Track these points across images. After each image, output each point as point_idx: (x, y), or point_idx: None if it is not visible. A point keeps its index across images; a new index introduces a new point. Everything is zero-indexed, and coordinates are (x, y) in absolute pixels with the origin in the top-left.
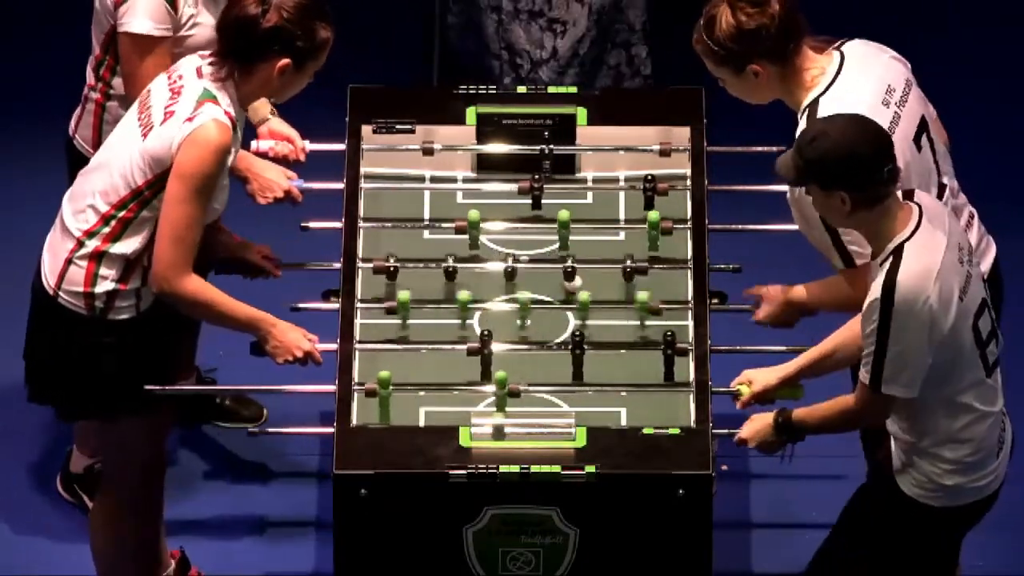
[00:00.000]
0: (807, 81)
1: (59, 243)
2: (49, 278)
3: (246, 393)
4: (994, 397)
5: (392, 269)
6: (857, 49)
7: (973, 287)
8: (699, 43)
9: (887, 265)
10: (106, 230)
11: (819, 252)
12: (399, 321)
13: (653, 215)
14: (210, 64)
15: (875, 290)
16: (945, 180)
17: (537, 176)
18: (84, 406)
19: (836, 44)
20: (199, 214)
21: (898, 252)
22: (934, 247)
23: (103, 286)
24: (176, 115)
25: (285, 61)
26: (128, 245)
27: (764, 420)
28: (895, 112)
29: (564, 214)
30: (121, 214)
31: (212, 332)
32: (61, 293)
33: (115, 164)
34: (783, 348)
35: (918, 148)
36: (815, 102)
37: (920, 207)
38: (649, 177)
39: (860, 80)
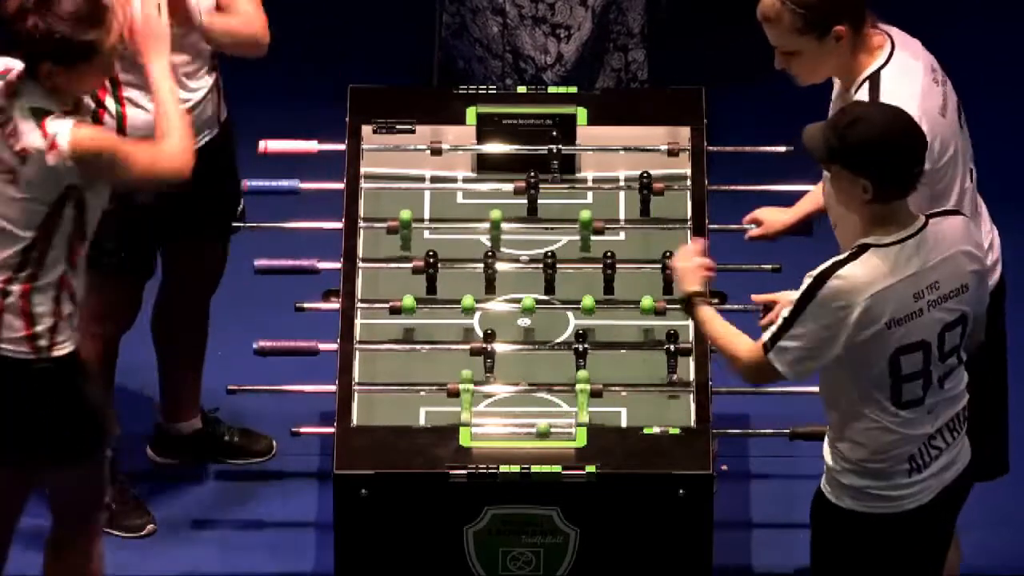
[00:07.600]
0: (873, 47)
1: None
2: None
3: (248, 393)
4: (911, 426)
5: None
6: (895, 30)
7: (917, 327)
8: (776, 15)
9: (839, 258)
10: (23, 273)
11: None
12: (400, 321)
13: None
14: (17, 78)
15: (812, 273)
16: (971, 165)
17: (533, 175)
18: (63, 453)
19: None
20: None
21: (855, 254)
22: (893, 269)
23: (43, 323)
24: (33, 151)
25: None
26: (51, 274)
27: (694, 274)
28: (943, 91)
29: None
30: (29, 270)
31: (212, 337)
32: (4, 344)
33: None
34: None
35: (961, 128)
36: (877, 73)
37: (928, 228)
38: (645, 175)
39: (912, 57)
